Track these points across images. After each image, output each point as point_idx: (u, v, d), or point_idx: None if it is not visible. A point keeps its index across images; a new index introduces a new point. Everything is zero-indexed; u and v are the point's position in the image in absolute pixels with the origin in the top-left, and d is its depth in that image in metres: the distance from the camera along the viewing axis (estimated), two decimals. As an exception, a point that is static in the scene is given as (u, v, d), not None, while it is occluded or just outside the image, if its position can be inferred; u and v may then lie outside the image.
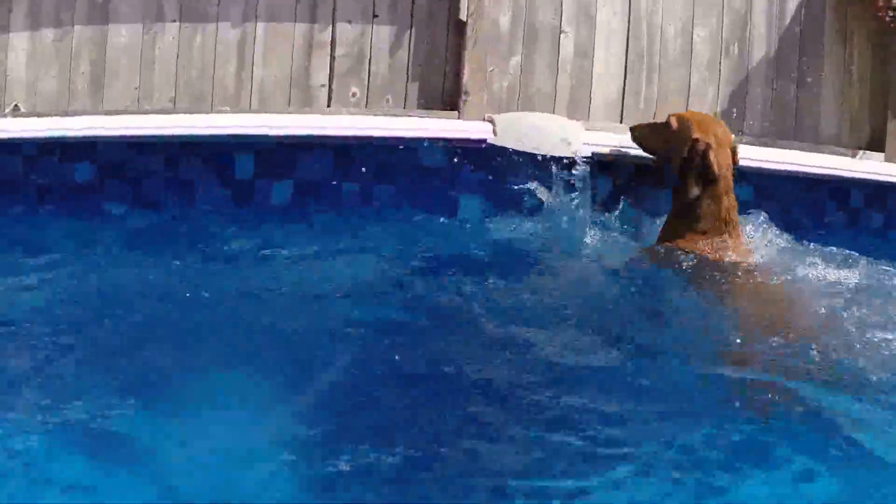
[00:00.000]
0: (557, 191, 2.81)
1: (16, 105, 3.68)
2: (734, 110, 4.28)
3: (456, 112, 3.45)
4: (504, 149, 2.59)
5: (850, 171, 4.12)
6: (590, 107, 3.76)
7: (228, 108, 3.48)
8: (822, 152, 4.31)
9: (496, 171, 2.77)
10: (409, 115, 3.24)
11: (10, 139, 3.03)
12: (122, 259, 2.54)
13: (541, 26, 3.79)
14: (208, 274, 2.42)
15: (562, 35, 3.78)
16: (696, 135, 2.48)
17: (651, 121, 2.37)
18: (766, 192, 3.93)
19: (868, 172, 4.21)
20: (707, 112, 4.18)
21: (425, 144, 2.62)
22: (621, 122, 3.85)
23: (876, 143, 4.70)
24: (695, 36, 4.12)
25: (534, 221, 2.75)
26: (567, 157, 2.69)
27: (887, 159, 4.56)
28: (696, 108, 4.24)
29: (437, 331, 1.91)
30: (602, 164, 2.83)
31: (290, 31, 3.56)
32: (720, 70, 4.20)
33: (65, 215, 3.06)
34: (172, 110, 3.50)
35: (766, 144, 4.17)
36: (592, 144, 2.83)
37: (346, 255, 2.44)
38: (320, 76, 3.56)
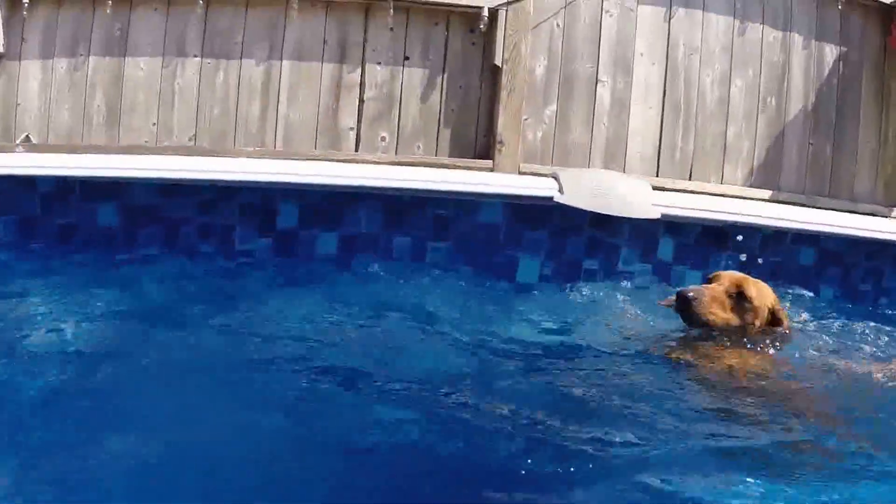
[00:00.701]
0: (619, 255, 2.72)
1: (27, 136, 3.60)
2: (769, 165, 4.27)
3: (490, 161, 3.41)
4: (569, 207, 2.50)
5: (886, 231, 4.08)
6: (625, 160, 3.73)
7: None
8: (857, 211, 4.30)
9: (556, 230, 2.68)
10: (469, 169, 3.16)
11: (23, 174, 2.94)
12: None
13: (577, 76, 3.76)
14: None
15: (598, 85, 3.76)
16: (775, 305, 2.30)
17: (707, 288, 2.14)
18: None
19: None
20: (744, 165, 4.20)
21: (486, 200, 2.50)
22: (657, 175, 3.83)
23: (906, 202, 4.71)
24: (732, 87, 4.12)
25: (590, 287, 2.67)
26: (636, 219, 2.60)
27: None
28: (732, 163, 4.26)
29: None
30: (670, 226, 2.72)
31: (318, 71, 3.52)
32: (757, 123, 4.19)
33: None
34: (193, 148, 3.44)
35: (801, 203, 4.15)
36: (663, 206, 2.73)
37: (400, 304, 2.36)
38: (348, 119, 3.50)
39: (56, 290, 2.33)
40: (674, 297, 2.18)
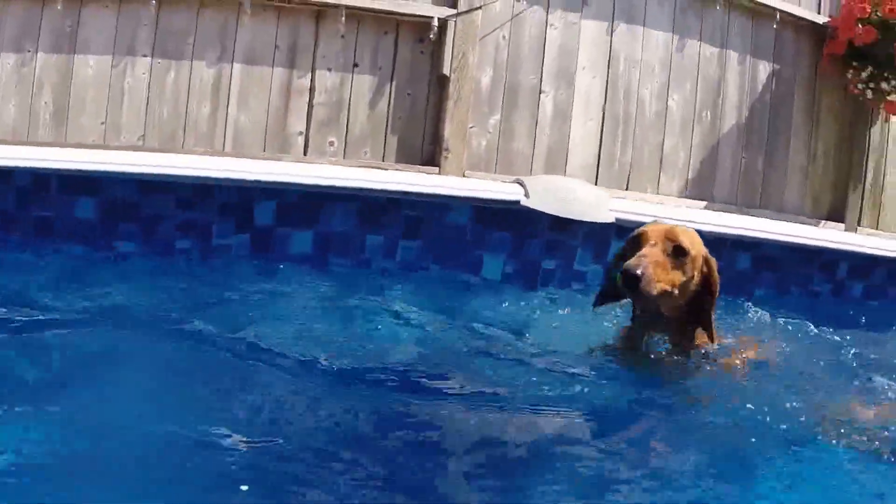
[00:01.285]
0: (578, 256, 2.91)
1: (-31, 132, 3.68)
2: (703, 177, 4.56)
3: (436, 168, 3.61)
4: (533, 211, 2.68)
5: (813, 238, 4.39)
6: (566, 169, 3.97)
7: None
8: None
9: (518, 234, 2.85)
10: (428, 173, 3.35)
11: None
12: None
13: (521, 87, 3.99)
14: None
15: (542, 96, 3.99)
16: (706, 252, 2.21)
17: (646, 257, 2.03)
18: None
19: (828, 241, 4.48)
20: (680, 177, 4.47)
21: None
22: (595, 185, 4.08)
23: (835, 216, 5.08)
24: (670, 100, 4.40)
25: (550, 286, 2.85)
26: (595, 223, 2.78)
27: (847, 230, 4.94)
28: (668, 174, 4.54)
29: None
30: (620, 230, 2.91)
31: (269, 75, 3.67)
32: (692, 136, 4.48)
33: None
34: (142, 147, 3.56)
35: (732, 211, 4.45)
36: (619, 211, 2.92)
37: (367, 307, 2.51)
38: (298, 123, 3.66)
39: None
40: (619, 278, 2.02)
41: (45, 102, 3.64)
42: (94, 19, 3.64)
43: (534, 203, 2.71)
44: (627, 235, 2.16)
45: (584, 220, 2.85)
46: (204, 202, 2.89)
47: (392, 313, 2.39)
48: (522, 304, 2.75)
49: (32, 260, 2.70)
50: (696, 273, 2.14)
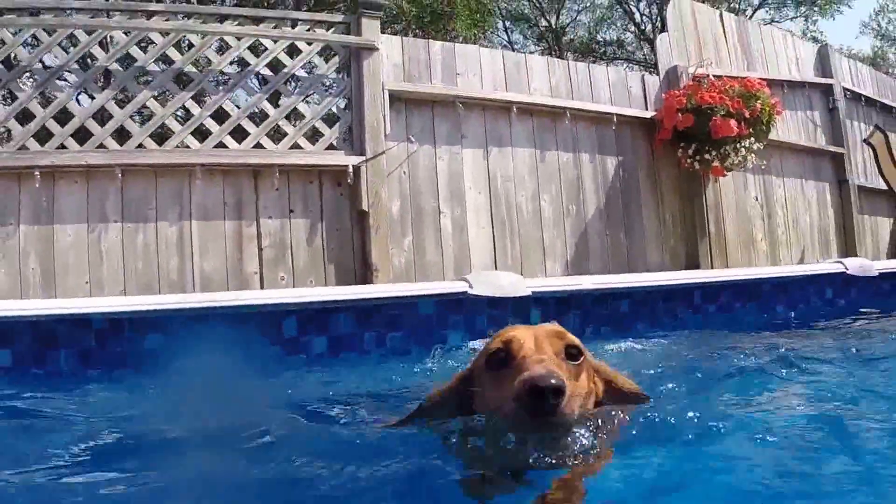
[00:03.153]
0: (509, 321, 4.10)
1: (-34, 300, 4.63)
2: (579, 255, 6.03)
3: (371, 283, 4.88)
4: (479, 296, 3.87)
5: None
6: (470, 268, 5.32)
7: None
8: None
9: (469, 314, 4.03)
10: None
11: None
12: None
13: (424, 210, 5.34)
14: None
15: (441, 216, 5.36)
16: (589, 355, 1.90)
17: (549, 367, 1.56)
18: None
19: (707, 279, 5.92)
20: (561, 259, 5.92)
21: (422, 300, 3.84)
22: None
23: (692, 264, 6.64)
24: (541, 201, 5.85)
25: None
26: (517, 297, 3.98)
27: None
28: (551, 259, 5.97)
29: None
30: (536, 300, 4.15)
31: (222, 227, 4.84)
32: (564, 226, 5.95)
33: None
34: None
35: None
36: (532, 287, 4.15)
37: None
38: (252, 264, 4.82)
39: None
40: (512, 401, 1.52)
41: (33, 268, 4.65)
42: (65, 195, 4.72)
43: (476, 291, 3.95)
44: (481, 350, 1.83)
45: (513, 296, 4.11)
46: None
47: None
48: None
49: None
50: (592, 386, 1.78)
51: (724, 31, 7.54)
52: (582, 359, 1.72)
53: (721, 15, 7.72)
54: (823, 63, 8.49)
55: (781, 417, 2.10)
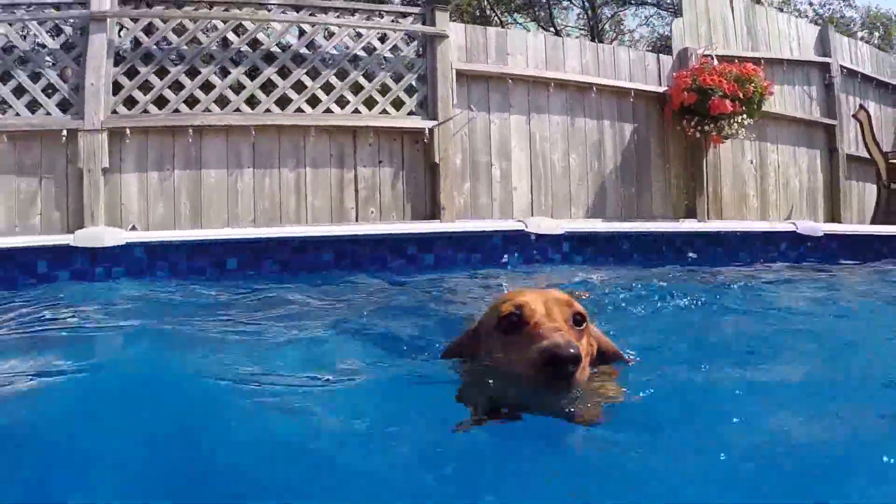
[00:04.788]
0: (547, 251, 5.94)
1: (133, 225, 6.59)
2: (598, 205, 7.94)
3: (438, 220, 6.79)
4: (530, 233, 5.70)
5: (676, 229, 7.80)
6: (513, 211, 7.24)
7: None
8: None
9: (523, 244, 5.88)
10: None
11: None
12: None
13: (479, 163, 7.26)
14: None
15: (492, 168, 7.28)
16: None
17: (562, 333, 1.74)
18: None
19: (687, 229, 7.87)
20: (583, 207, 7.87)
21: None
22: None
23: (691, 215, 8.53)
24: (570, 160, 7.76)
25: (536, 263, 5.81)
26: (555, 234, 5.84)
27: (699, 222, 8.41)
28: (576, 206, 7.93)
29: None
30: (565, 237, 5.99)
31: (328, 174, 6.79)
32: (588, 180, 7.86)
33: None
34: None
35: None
36: (564, 228, 5.95)
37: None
38: (350, 202, 6.78)
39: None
40: (530, 367, 1.68)
41: (184, 203, 6.61)
42: (211, 146, 6.66)
43: (529, 229, 5.79)
44: (489, 309, 2.04)
45: (551, 233, 5.99)
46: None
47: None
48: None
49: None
50: (589, 344, 1.96)
51: (734, 15, 9.31)
52: (585, 325, 1.89)
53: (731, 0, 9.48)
54: (823, 43, 10.17)
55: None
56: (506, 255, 5.79)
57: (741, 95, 7.82)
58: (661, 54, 8.63)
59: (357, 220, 6.72)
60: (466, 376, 2.05)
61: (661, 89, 8.22)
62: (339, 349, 2.82)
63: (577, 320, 1.88)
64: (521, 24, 19.73)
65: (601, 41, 19.24)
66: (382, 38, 7.02)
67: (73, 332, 3.51)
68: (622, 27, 21.54)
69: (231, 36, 6.72)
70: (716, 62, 8.13)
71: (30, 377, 2.43)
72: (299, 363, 2.60)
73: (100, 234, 5.51)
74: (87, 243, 5.46)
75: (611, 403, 1.89)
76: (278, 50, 6.83)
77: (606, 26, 20.74)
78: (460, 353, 2.09)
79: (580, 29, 21.21)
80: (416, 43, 7.07)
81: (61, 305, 4.46)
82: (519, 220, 5.92)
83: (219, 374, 2.30)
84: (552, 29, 20.20)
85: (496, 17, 15.59)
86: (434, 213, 6.82)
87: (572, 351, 1.64)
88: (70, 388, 2.23)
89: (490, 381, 1.91)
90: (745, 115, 7.96)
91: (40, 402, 2.08)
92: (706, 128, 8.05)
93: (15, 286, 5.31)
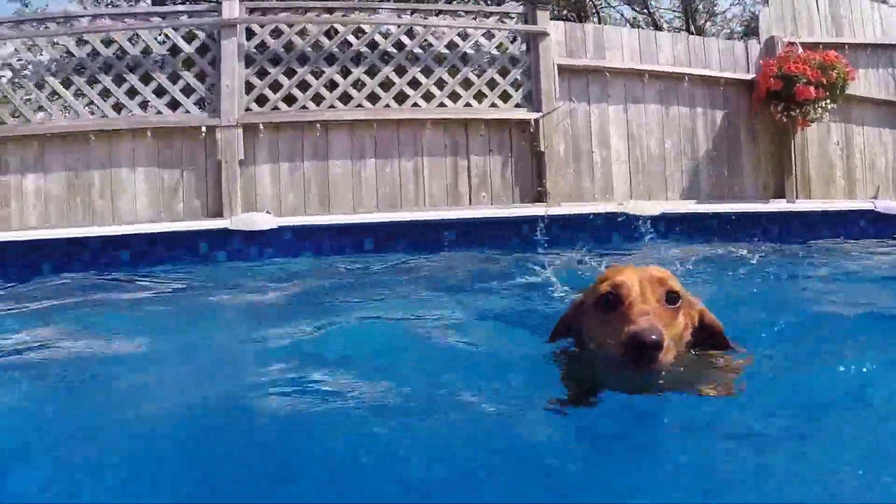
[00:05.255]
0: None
1: (267, 210, 7.39)
2: (692, 186, 8.50)
3: (544, 204, 7.44)
4: (635, 215, 6.33)
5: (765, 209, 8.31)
6: (614, 195, 7.86)
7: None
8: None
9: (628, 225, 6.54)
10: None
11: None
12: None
13: (581, 151, 7.89)
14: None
15: (593, 155, 7.91)
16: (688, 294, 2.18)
17: (648, 317, 1.88)
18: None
19: (775, 209, 8.39)
20: (678, 189, 8.46)
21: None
22: (630, 199, 8.00)
23: (780, 195, 9.02)
24: (665, 146, 8.33)
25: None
26: (655, 215, 6.55)
27: (788, 202, 8.92)
28: (671, 189, 8.51)
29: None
30: (663, 218, 6.57)
31: (443, 162, 7.49)
32: (682, 164, 8.43)
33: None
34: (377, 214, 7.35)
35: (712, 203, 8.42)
36: (661, 210, 6.55)
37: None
38: (464, 188, 7.48)
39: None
40: (618, 348, 1.84)
41: (313, 190, 7.39)
42: (336, 139, 7.43)
43: (633, 211, 6.40)
44: (588, 285, 2.19)
45: (648, 214, 6.55)
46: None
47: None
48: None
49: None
50: (689, 321, 2.06)
51: (818, 4, 9.74)
52: (680, 302, 1.99)
53: (815, -13, 9.89)
54: (907, 26, 10.55)
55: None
56: (607, 235, 6.44)
57: (824, 81, 8.28)
58: (748, 41, 9.13)
59: (470, 204, 7.39)
60: (565, 357, 2.27)
61: (749, 76, 8.71)
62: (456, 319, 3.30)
63: (672, 298, 2.00)
64: (615, 7, 20.25)
65: (694, 22, 19.74)
66: (489, 36, 7.68)
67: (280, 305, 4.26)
68: (714, 7, 21.91)
69: (351, 38, 7.44)
70: (800, 50, 8.59)
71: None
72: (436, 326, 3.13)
73: (254, 219, 6.29)
74: (244, 227, 6.27)
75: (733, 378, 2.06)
76: (394, 50, 7.53)
77: (700, 6, 21.12)
78: (568, 328, 2.27)
79: (674, 11, 21.64)
80: (519, 40, 7.71)
81: (245, 278, 5.28)
82: (619, 204, 6.55)
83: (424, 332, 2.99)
84: (646, 11, 20.67)
85: (591, 2, 16.17)
86: (540, 197, 7.46)
87: (654, 337, 1.77)
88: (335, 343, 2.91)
89: (587, 363, 2.12)
90: (828, 100, 8.40)
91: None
92: (792, 112, 8.49)
93: (180, 263, 6.16)
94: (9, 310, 4.17)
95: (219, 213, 7.07)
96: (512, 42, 7.72)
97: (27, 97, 7.66)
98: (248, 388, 2.38)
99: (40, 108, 7.58)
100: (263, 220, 6.42)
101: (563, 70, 7.72)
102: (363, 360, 2.56)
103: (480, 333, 2.97)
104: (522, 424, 1.97)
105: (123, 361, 2.81)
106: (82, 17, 7.57)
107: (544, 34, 7.60)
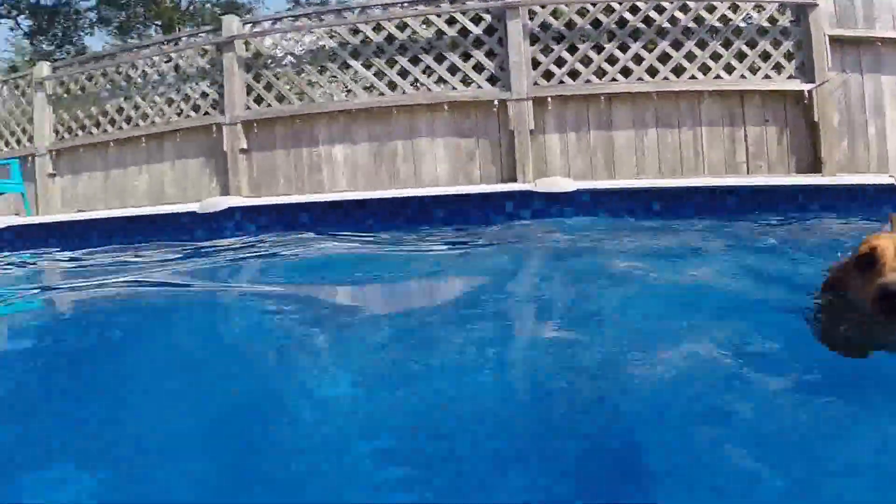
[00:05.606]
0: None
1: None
2: None
3: (819, 174, 7.77)
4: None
5: None
6: (888, 167, 8.10)
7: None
8: None
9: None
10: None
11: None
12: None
13: (855, 122, 8.16)
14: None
15: (867, 125, 8.17)
16: None
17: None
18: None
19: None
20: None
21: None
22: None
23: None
24: (932, 116, 8.49)
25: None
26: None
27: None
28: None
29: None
30: None
31: (720, 133, 7.94)
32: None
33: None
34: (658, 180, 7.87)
35: None
36: None
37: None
38: (741, 157, 7.92)
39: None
40: (870, 301, 1.98)
41: (599, 157, 7.97)
42: (620, 108, 7.99)
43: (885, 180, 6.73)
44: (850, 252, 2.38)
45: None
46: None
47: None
48: None
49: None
50: None
51: None
52: None
53: None
54: None
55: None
56: (879, 207, 6.72)
57: None
58: None
59: (748, 173, 7.82)
60: (824, 315, 2.42)
61: None
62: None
63: None
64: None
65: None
66: (758, 9, 8.04)
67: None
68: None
69: (627, 15, 7.97)
70: None
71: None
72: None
73: (558, 182, 6.93)
74: (547, 189, 6.91)
75: None
76: (668, 25, 8.01)
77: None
78: (836, 284, 2.37)
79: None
80: (789, 12, 8.05)
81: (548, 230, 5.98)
82: (891, 175, 6.82)
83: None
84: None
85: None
86: (816, 167, 7.80)
87: None
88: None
89: (847, 321, 2.25)
90: None
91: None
92: None
93: (489, 222, 6.88)
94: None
95: (512, 178, 7.78)
96: (782, 14, 8.05)
97: (332, 78, 8.60)
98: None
99: (347, 90, 8.52)
100: (565, 183, 7.05)
101: (834, 41, 7.99)
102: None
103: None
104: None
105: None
106: (375, 6, 8.41)
107: (813, 5, 7.89)
